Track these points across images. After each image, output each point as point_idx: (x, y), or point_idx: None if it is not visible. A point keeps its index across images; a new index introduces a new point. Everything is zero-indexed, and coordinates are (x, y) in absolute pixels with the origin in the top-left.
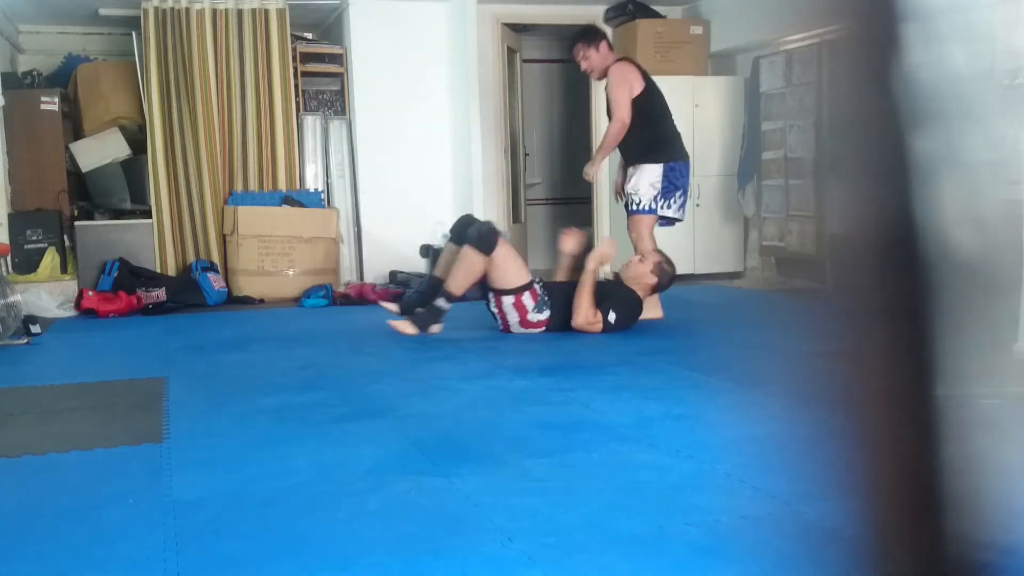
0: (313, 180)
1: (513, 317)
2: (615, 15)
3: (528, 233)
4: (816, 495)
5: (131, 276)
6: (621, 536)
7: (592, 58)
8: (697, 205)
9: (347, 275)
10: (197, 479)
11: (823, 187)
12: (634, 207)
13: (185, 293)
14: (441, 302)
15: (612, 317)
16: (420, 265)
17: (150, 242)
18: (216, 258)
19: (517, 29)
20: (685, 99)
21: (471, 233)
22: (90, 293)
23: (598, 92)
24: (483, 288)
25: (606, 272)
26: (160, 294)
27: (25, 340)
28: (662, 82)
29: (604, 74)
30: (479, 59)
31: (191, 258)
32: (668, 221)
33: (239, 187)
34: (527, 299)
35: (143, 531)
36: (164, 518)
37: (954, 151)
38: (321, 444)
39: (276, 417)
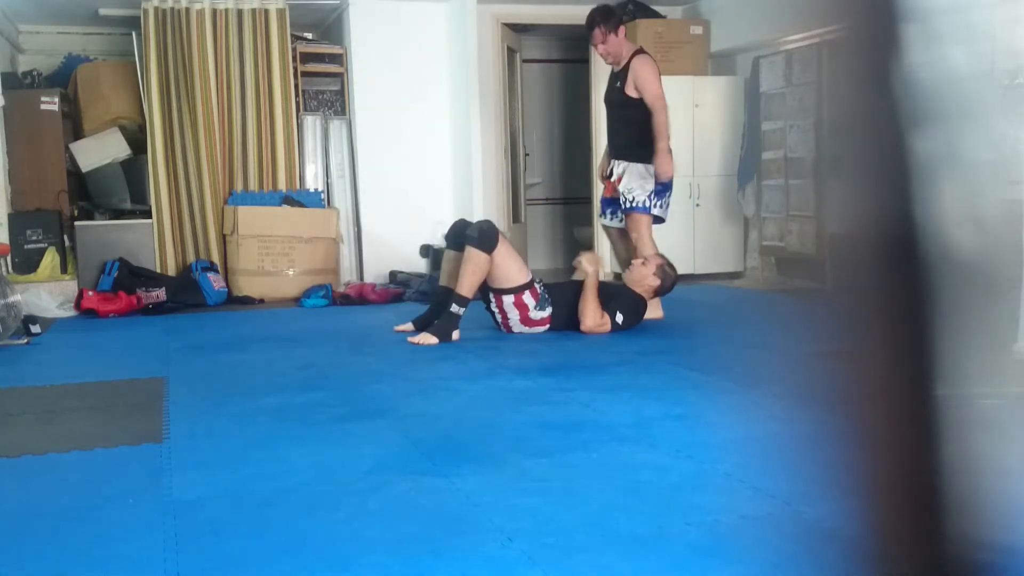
0: (313, 180)
1: (514, 315)
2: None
3: (528, 233)
4: (816, 495)
5: (131, 276)
6: (621, 536)
7: (611, 43)
8: (697, 205)
9: (347, 275)
10: (197, 479)
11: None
12: (630, 205)
13: (185, 293)
14: (455, 308)
15: (619, 319)
16: (420, 265)
17: (150, 242)
18: (216, 258)
19: (517, 29)
20: (685, 99)
21: (471, 233)
22: (90, 293)
23: (598, 92)
24: (483, 289)
25: (606, 273)
26: (160, 294)
27: (25, 340)
28: (662, 82)
29: (619, 61)
30: (479, 59)
31: (191, 258)
32: (656, 219)
33: (239, 187)
34: (528, 297)
35: (143, 531)
36: (164, 518)
37: (954, 151)
38: (321, 444)
39: (276, 417)
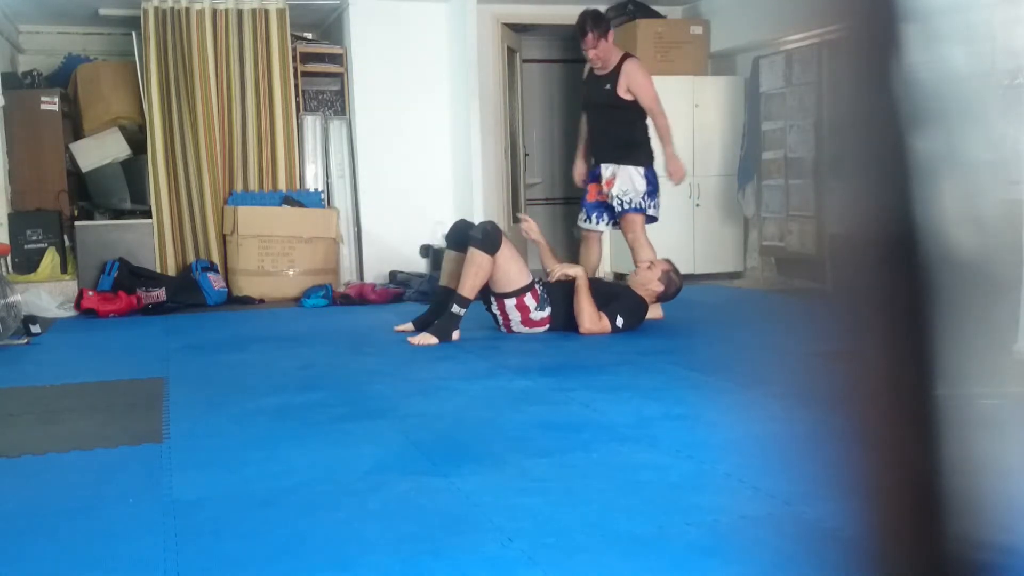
0: (313, 180)
1: (515, 316)
2: (615, 15)
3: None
4: (816, 495)
5: (131, 276)
6: (621, 536)
7: (602, 47)
8: (697, 205)
9: (347, 275)
10: (197, 479)
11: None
12: (626, 207)
13: (185, 293)
14: (456, 309)
15: (620, 322)
16: (420, 265)
17: (150, 242)
18: (216, 258)
19: (517, 29)
20: (685, 99)
21: (475, 234)
22: (90, 293)
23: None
24: (484, 291)
25: (606, 272)
26: (160, 294)
27: (25, 340)
28: (662, 82)
29: (608, 65)
30: (479, 59)
31: (191, 258)
32: (650, 219)
33: (239, 187)
34: (529, 299)
35: (143, 531)
36: (164, 518)
37: (954, 151)
38: (321, 444)
39: (276, 417)
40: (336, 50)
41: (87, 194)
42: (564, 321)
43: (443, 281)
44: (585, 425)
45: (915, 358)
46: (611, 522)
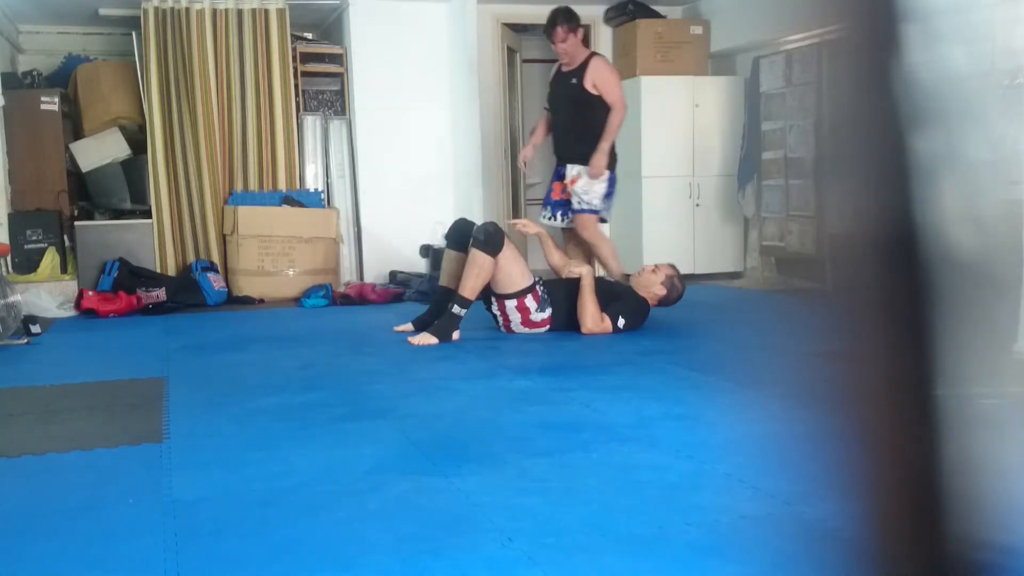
0: (313, 180)
1: (516, 317)
2: (615, 15)
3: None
4: (816, 495)
5: (131, 276)
6: (621, 536)
7: (571, 42)
8: (697, 205)
9: (347, 275)
10: (197, 479)
11: (823, 187)
12: (583, 206)
13: (185, 293)
14: (457, 309)
15: (621, 323)
16: (420, 265)
17: (150, 242)
18: (216, 258)
19: (517, 29)
20: (685, 99)
21: (477, 235)
22: (90, 293)
23: None
24: (484, 292)
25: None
26: (160, 294)
27: (25, 340)
28: (662, 82)
29: (575, 61)
30: (479, 59)
31: (191, 258)
32: (601, 220)
33: (239, 187)
34: (530, 301)
35: (143, 531)
36: (164, 518)
37: (954, 151)
38: (321, 444)
39: (276, 417)
40: (336, 50)
41: (87, 194)
42: (565, 322)
43: (443, 281)
44: (585, 425)
45: (915, 358)
46: (611, 522)
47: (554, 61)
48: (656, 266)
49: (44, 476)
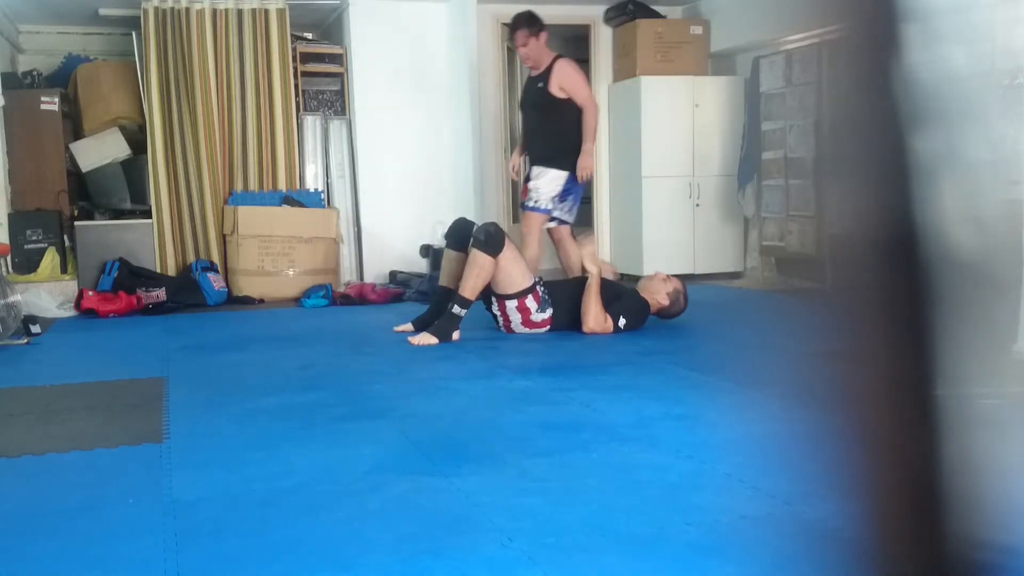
0: (313, 180)
1: (516, 318)
2: (615, 15)
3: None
4: (816, 495)
5: (131, 276)
6: (621, 536)
7: (532, 46)
8: (697, 205)
9: (347, 275)
10: (197, 479)
11: (823, 187)
12: (531, 204)
13: (185, 293)
14: (457, 309)
15: (622, 323)
16: (420, 265)
17: (150, 242)
18: (216, 258)
19: None
20: (685, 99)
21: (478, 235)
22: (90, 293)
23: (598, 91)
24: (485, 292)
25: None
26: (160, 294)
27: (25, 340)
28: (662, 82)
29: (540, 65)
30: (479, 59)
31: (191, 258)
32: (562, 222)
33: (239, 187)
34: (530, 301)
35: (143, 531)
36: (164, 518)
37: (954, 151)
38: (321, 444)
39: (276, 417)
40: (336, 50)
41: (87, 194)
42: (566, 322)
43: (443, 281)
44: (585, 425)
45: (915, 358)
46: (611, 522)
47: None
48: (668, 277)
49: (44, 476)
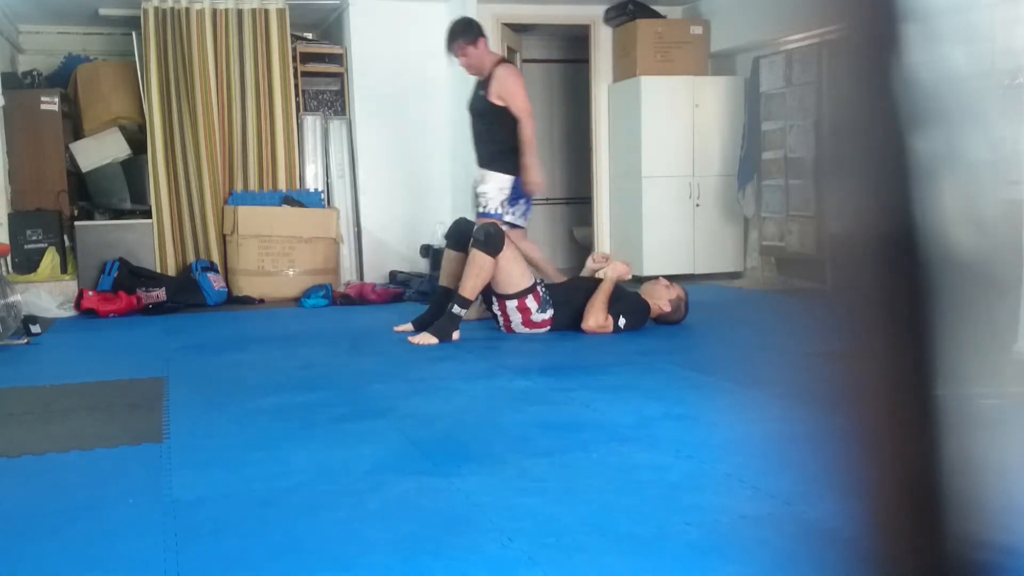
0: (313, 180)
1: (516, 318)
2: (615, 15)
3: (528, 233)
4: (816, 495)
5: (131, 276)
6: (621, 536)
7: (471, 55)
8: (697, 205)
9: (347, 275)
10: (197, 479)
11: (823, 187)
12: (481, 209)
13: (185, 293)
14: (457, 309)
15: (622, 323)
16: (420, 265)
17: (150, 242)
18: (216, 258)
19: (517, 29)
20: (685, 99)
21: (477, 236)
22: (90, 293)
23: (598, 91)
24: (485, 292)
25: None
26: (160, 294)
27: (25, 340)
28: (662, 82)
29: (482, 72)
30: None
31: (191, 258)
32: (511, 225)
33: (239, 187)
34: (530, 301)
35: (143, 531)
36: (164, 518)
37: (954, 151)
38: (321, 444)
39: (276, 417)
40: (336, 50)
41: (87, 194)
42: (567, 322)
43: (443, 281)
44: (585, 425)
45: (915, 358)
46: (611, 522)
47: (554, 61)
48: (671, 284)
49: (44, 476)
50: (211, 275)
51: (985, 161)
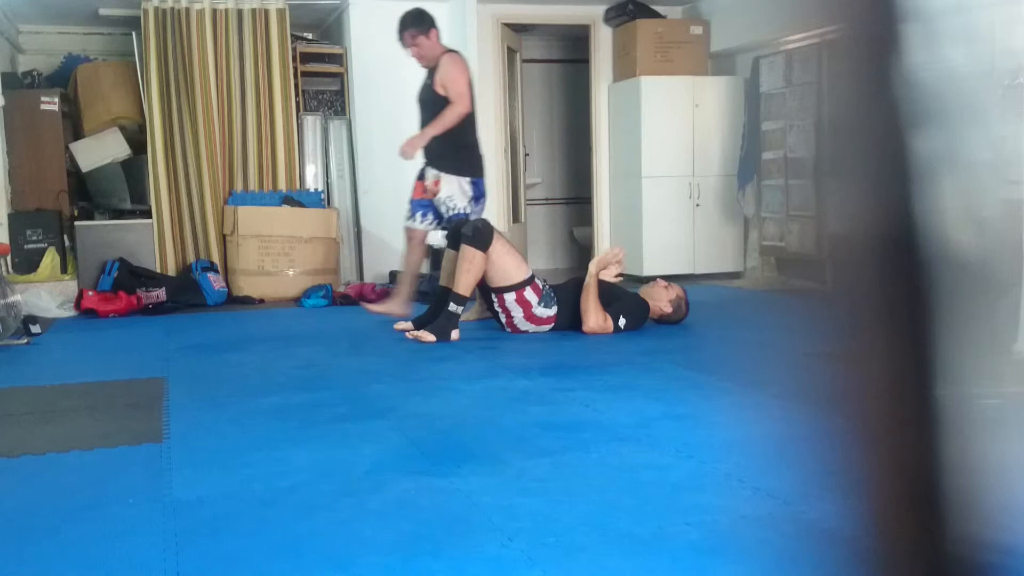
0: (313, 180)
1: (517, 312)
2: (615, 15)
3: (528, 233)
4: (816, 495)
5: (131, 276)
6: (621, 536)
7: (423, 45)
8: (697, 205)
9: (347, 275)
10: (197, 479)
11: (823, 187)
12: (451, 212)
13: (185, 293)
14: (453, 307)
15: (622, 323)
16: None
17: (150, 242)
18: (216, 258)
19: (517, 29)
20: (685, 99)
21: (466, 231)
22: (90, 293)
23: (598, 91)
24: (484, 290)
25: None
26: (160, 294)
27: (25, 340)
28: (662, 82)
29: (432, 62)
30: (479, 59)
31: (191, 258)
32: None
33: (239, 187)
34: (529, 294)
35: (143, 531)
36: (164, 518)
37: (954, 151)
38: (321, 444)
39: (276, 417)
40: (336, 50)
41: (87, 194)
42: (569, 321)
43: (443, 281)
44: (585, 425)
45: (915, 358)
46: (611, 522)
47: (554, 61)
48: (669, 284)
49: (44, 476)
50: (211, 275)
51: (985, 161)
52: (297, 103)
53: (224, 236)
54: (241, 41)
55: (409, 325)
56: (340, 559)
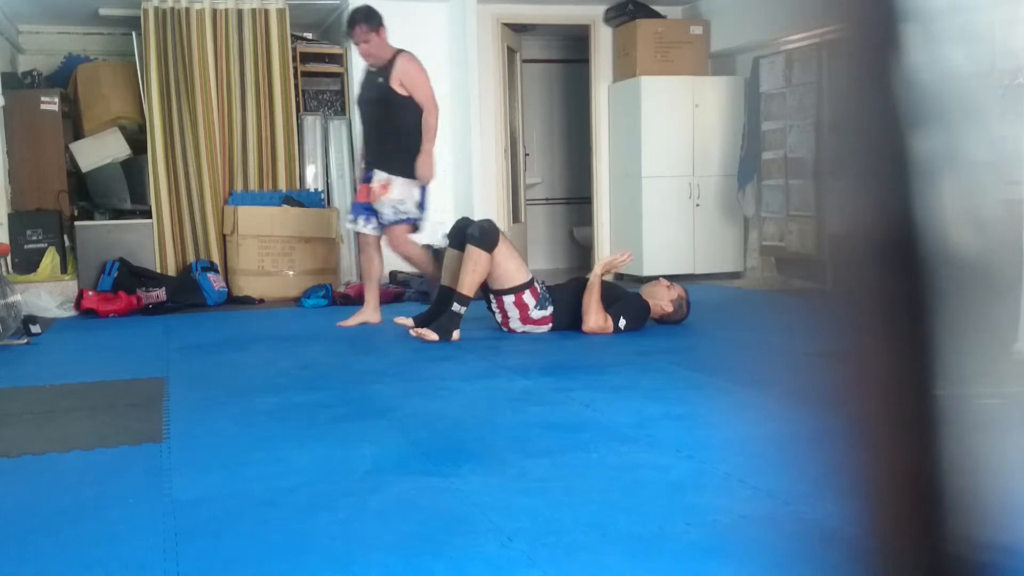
0: (313, 180)
1: (514, 314)
2: (615, 15)
3: (528, 233)
4: (816, 495)
5: (131, 276)
6: (621, 536)
7: (373, 42)
8: (697, 205)
9: (347, 275)
10: (197, 479)
11: (823, 187)
12: (400, 217)
13: (185, 293)
14: (457, 307)
15: (622, 323)
16: None
17: (150, 242)
18: (216, 258)
19: (517, 29)
20: (685, 99)
21: (472, 232)
22: (90, 293)
23: (598, 92)
24: (483, 289)
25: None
26: (160, 294)
27: (25, 340)
28: (662, 82)
29: (381, 60)
30: (479, 59)
31: (191, 258)
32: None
33: (239, 187)
34: (527, 297)
35: (143, 531)
36: (164, 518)
37: (954, 151)
38: (321, 444)
39: (276, 417)
40: (336, 50)
41: (87, 194)
42: (567, 321)
43: (445, 280)
44: (585, 425)
45: (915, 358)
46: (611, 522)
47: (554, 61)
48: (671, 284)
49: (44, 476)
50: (211, 275)
51: (985, 161)
52: (297, 103)
53: (224, 236)
54: (241, 41)
55: (410, 322)
56: (340, 559)
